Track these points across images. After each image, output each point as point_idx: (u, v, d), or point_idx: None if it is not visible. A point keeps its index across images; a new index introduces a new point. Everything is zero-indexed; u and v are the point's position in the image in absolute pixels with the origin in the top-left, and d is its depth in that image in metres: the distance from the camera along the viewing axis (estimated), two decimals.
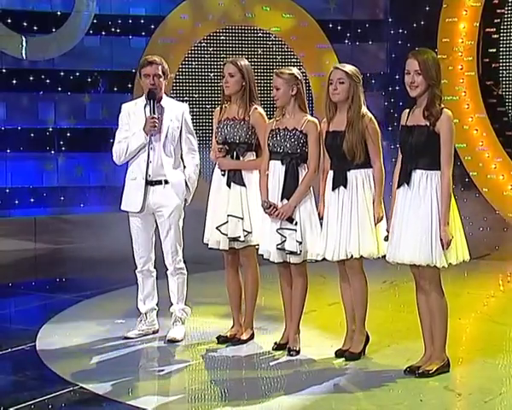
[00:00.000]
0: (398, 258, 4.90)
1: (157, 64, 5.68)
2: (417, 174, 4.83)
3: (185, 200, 5.74)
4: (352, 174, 5.13)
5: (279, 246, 5.28)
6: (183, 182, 5.70)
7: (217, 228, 5.51)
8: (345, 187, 5.12)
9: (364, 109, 5.17)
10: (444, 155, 4.78)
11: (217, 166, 5.60)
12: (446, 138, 4.77)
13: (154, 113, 5.62)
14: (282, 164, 5.30)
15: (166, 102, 5.77)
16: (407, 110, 4.94)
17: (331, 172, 5.20)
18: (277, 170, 5.32)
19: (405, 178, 4.85)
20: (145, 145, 5.64)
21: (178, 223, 5.73)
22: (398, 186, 4.90)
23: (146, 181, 5.65)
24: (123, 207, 5.79)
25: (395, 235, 4.90)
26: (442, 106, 4.80)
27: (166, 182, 5.67)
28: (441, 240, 4.74)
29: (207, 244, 5.66)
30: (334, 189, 5.16)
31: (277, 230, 5.27)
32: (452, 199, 4.86)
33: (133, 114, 5.72)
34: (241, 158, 5.53)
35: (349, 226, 5.11)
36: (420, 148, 4.81)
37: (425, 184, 4.81)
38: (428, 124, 4.78)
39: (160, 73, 5.68)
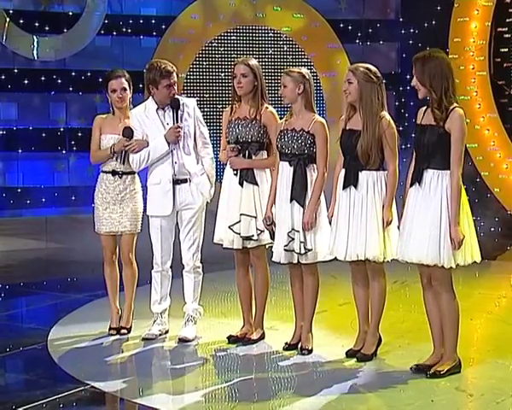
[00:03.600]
0: (406, 257, 4.89)
1: (173, 72, 5.67)
2: (429, 174, 4.82)
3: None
4: (363, 175, 5.11)
5: (286, 247, 5.28)
6: (205, 177, 5.72)
7: (229, 227, 5.52)
8: (355, 187, 5.11)
9: (383, 112, 5.11)
10: (454, 154, 4.76)
11: (228, 165, 5.61)
12: (457, 137, 4.76)
13: (176, 122, 5.64)
14: (290, 165, 5.30)
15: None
16: (423, 108, 4.92)
17: (343, 171, 5.19)
18: (286, 171, 5.32)
19: (417, 178, 4.85)
20: (168, 152, 5.66)
21: (202, 221, 5.77)
22: (411, 185, 4.90)
23: (173, 182, 5.67)
24: (150, 213, 5.76)
25: (405, 234, 4.89)
26: (455, 105, 4.77)
27: (191, 180, 5.71)
28: (452, 240, 4.72)
29: (220, 244, 5.66)
30: (344, 188, 5.15)
31: (288, 233, 5.28)
32: (465, 200, 4.85)
33: (147, 119, 5.70)
34: (254, 157, 5.54)
35: (358, 228, 5.10)
36: (432, 147, 4.80)
37: (436, 184, 4.79)
38: (437, 123, 4.78)
39: (176, 79, 5.69)
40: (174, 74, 5.68)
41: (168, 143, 5.63)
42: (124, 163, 5.79)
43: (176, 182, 5.68)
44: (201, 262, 5.85)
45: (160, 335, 5.84)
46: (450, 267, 4.80)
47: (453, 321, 4.89)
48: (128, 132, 5.72)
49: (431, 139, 4.79)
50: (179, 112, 5.69)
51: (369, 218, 5.08)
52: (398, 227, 5.01)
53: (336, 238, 5.18)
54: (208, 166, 5.76)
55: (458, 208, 4.75)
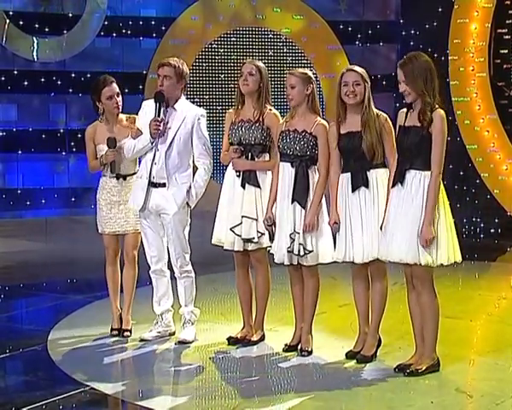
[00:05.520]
0: (389, 257, 4.94)
1: (169, 66, 5.63)
2: (411, 174, 4.86)
3: (187, 204, 5.67)
4: (372, 174, 5.12)
5: (289, 249, 5.29)
6: (185, 187, 5.63)
7: (231, 229, 5.51)
8: (366, 187, 5.11)
9: (375, 109, 5.16)
10: (434, 155, 4.81)
11: (231, 167, 5.60)
12: (437, 138, 4.81)
13: (158, 116, 5.60)
14: (292, 167, 5.29)
15: (181, 105, 5.69)
16: (404, 110, 4.98)
17: (347, 175, 5.17)
18: (287, 172, 5.32)
19: (400, 178, 4.89)
20: (152, 146, 5.65)
21: (180, 228, 5.67)
22: (393, 185, 4.94)
23: (149, 182, 5.65)
24: (128, 204, 5.80)
25: (387, 233, 4.93)
26: (436, 106, 4.82)
27: (167, 186, 5.65)
28: (421, 237, 4.75)
29: (218, 245, 5.65)
30: (354, 190, 5.14)
31: (290, 234, 5.28)
32: (445, 200, 4.89)
33: (150, 112, 5.68)
34: (256, 159, 5.53)
35: (372, 227, 5.09)
36: (415, 148, 4.85)
37: (418, 185, 4.84)
38: (423, 125, 4.81)
39: (172, 75, 5.62)
40: (169, 68, 5.59)
41: (151, 137, 5.59)
42: (113, 172, 5.82)
43: (153, 184, 5.64)
44: (193, 264, 5.79)
45: (162, 337, 5.80)
46: (431, 267, 4.83)
47: (433, 320, 4.93)
48: (112, 142, 5.77)
49: (414, 141, 4.84)
50: (165, 108, 5.60)
51: (381, 215, 5.07)
52: (381, 228, 5.01)
53: (351, 243, 5.13)
54: (199, 177, 5.66)
55: (434, 207, 4.78)
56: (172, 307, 5.90)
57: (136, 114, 5.87)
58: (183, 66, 5.69)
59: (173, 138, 5.62)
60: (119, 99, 5.88)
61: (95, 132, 5.92)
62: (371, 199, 5.11)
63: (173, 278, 5.85)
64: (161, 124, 5.59)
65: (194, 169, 5.73)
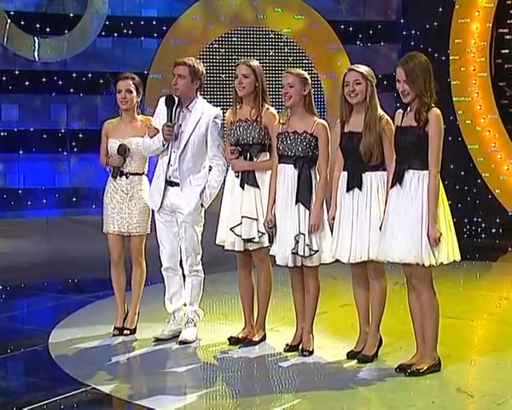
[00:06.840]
0: (389, 257, 4.95)
1: (184, 65, 5.60)
2: (409, 174, 4.87)
3: (201, 205, 5.68)
4: (367, 176, 5.12)
5: (293, 251, 5.28)
6: (199, 189, 5.63)
7: (231, 229, 5.51)
8: (360, 189, 5.12)
9: (381, 111, 5.16)
10: (431, 154, 4.82)
11: (230, 167, 5.60)
12: (434, 137, 4.82)
13: (170, 120, 5.60)
14: (295, 168, 5.29)
15: (196, 106, 5.66)
16: (401, 111, 5.00)
17: (345, 174, 5.19)
18: (289, 174, 5.31)
19: (398, 178, 4.90)
20: (166, 148, 5.64)
21: (192, 228, 5.68)
22: (392, 186, 4.94)
23: (166, 181, 5.66)
24: (147, 204, 5.82)
25: (387, 234, 4.94)
26: (432, 106, 4.83)
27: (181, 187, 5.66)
28: (429, 237, 4.76)
29: (222, 246, 5.66)
30: (348, 190, 5.16)
31: (295, 236, 5.27)
32: (444, 199, 4.90)
33: (164, 110, 5.65)
34: (255, 159, 5.53)
35: (362, 229, 5.11)
36: (412, 148, 4.86)
37: (416, 184, 4.85)
38: (419, 125, 4.82)
39: (186, 74, 5.59)
40: (182, 68, 5.58)
41: (166, 141, 5.60)
42: (113, 176, 5.84)
43: (170, 183, 5.67)
44: (202, 264, 5.83)
45: (174, 336, 5.75)
46: (431, 266, 4.84)
47: (433, 319, 4.94)
48: (122, 150, 5.78)
49: (411, 140, 4.86)
50: (178, 110, 5.61)
51: (373, 218, 5.09)
52: (380, 228, 5.02)
53: (339, 241, 5.19)
54: (213, 178, 5.66)
55: (436, 206, 4.79)
56: (185, 305, 5.86)
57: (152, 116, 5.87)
58: (198, 65, 5.66)
59: (187, 142, 5.61)
60: (131, 96, 5.84)
61: (109, 127, 5.94)
62: (364, 201, 5.11)
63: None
64: (173, 128, 5.59)
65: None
